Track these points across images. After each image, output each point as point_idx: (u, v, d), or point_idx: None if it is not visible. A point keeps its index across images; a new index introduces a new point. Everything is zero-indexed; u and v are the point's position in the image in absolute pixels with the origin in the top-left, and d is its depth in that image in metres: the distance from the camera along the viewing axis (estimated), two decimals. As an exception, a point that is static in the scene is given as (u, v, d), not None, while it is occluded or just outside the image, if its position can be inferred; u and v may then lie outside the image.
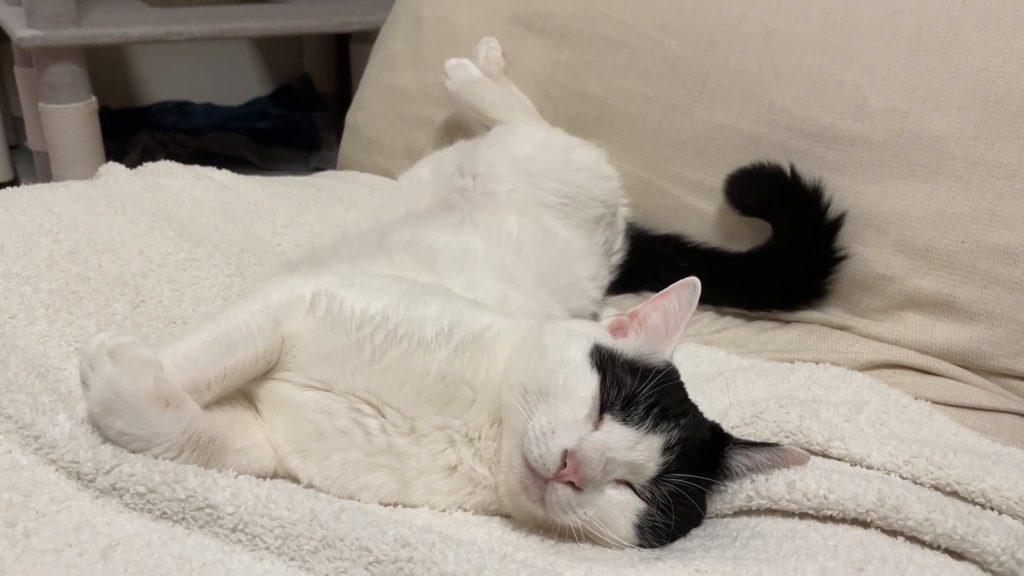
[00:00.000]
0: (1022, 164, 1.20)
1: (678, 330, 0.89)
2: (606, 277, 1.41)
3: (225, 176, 1.53)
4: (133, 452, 0.77)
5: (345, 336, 0.86)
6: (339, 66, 4.27)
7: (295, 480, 0.86)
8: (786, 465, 0.85)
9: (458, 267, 1.10)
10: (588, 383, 0.79)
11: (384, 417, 0.84)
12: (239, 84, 4.14)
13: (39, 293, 1.03)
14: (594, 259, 1.37)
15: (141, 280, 1.14)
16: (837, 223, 1.29)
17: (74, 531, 0.70)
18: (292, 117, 4.02)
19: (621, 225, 1.49)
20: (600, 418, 0.79)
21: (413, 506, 0.85)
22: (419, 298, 0.90)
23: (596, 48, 1.57)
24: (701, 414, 0.87)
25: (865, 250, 1.28)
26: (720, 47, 1.44)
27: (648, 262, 1.47)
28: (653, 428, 0.78)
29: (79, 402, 0.84)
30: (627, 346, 0.86)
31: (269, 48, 4.13)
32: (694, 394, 0.90)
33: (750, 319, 1.37)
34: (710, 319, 1.39)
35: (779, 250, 1.34)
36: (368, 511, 0.73)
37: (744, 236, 1.41)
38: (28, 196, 1.26)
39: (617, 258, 1.47)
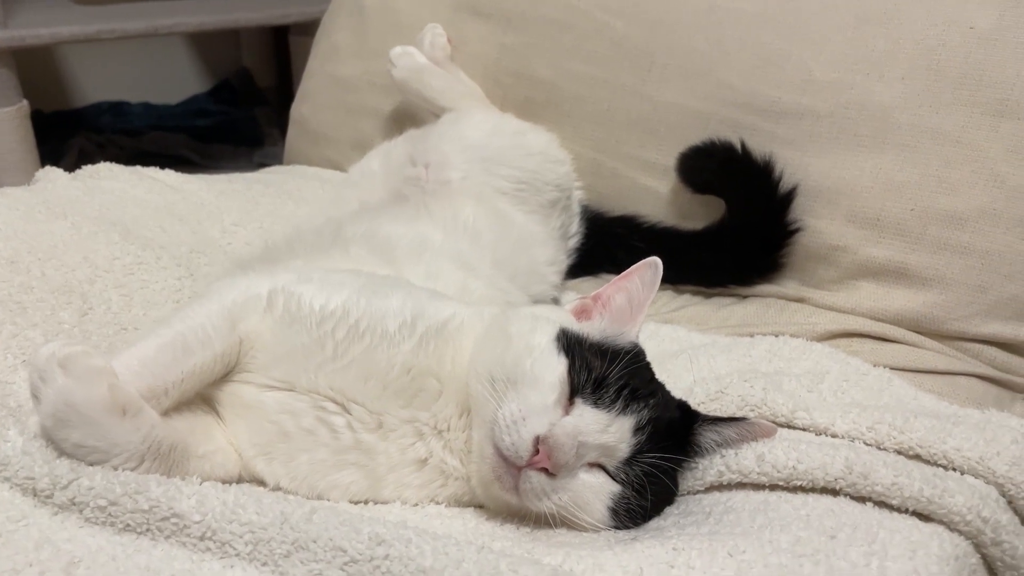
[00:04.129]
0: (965, 130, 1.22)
1: (642, 310, 0.89)
2: (564, 261, 1.40)
3: (169, 176, 1.49)
4: (91, 465, 0.74)
5: (306, 333, 0.85)
6: (279, 59, 4.20)
7: (261, 483, 0.84)
8: (755, 438, 0.86)
9: (416, 257, 1.09)
10: (555, 368, 0.79)
11: (350, 414, 0.83)
12: (176, 82, 4.05)
13: (-19, 305, 0.99)
14: (551, 244, 1.36)
15: (88, 287, 1.10)
16: (789, 197, 1.30)
17: (34, 550, 0.68)
18: (232, 114, 3.94)
19: (576, 208, 1.48)
20: (571, 402, 0.78)
21: (384, 502, 0.83)
22: (379, 291, 0.89)
23: (542, 31, 1.55)
24: (669, 393, 0.87)
25: (817, 222, 1.29)
26: (665, 26, 1.44)
27: (605, 244, 1.47)
28: (624, 409, 0.78)
29: (31, 416, 0.81)
30: (593, 329, 0.86)
31: (206, 43, 4.04)
32: (658, 372, 0.90)
33: (708, 295, 1.38)
34: (669, 297, 1.40)
35: (733, 226, 1.35)
36: (340, 510, 0.72)
37: (698, 214, 1.41)
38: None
39: (574, 241, 1.47)
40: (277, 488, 0.84)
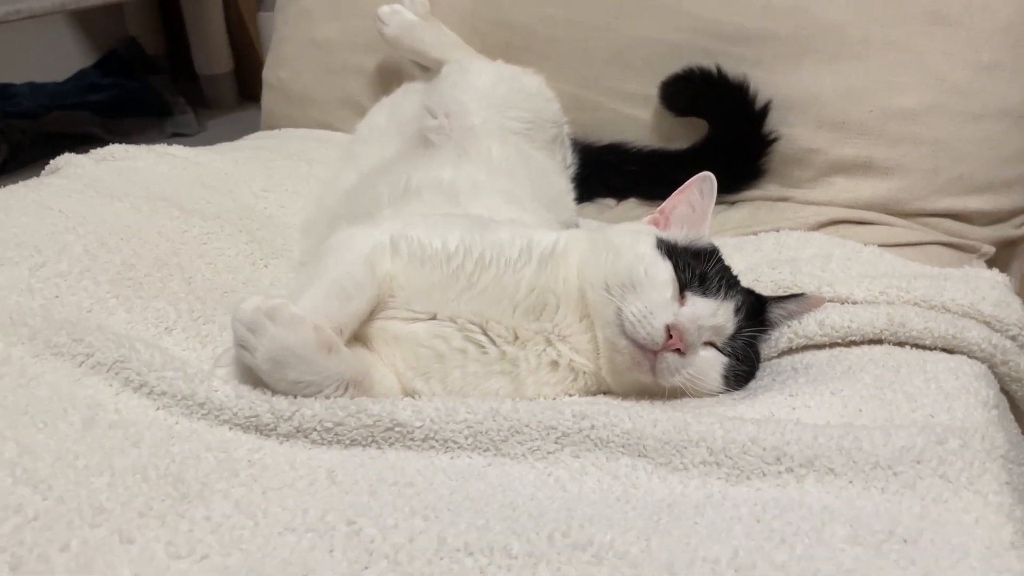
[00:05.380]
0: (908, 39, 1.43)
1: (707, 217, 1.07)
2: (573, 190, 1.56)
3: (180, 150, 1.55)
4: (305, 397, 0.86)
5: (438, 270, 0.98)
6: (168, 26, 4.09)
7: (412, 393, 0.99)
8: (810, 309, 1.05)
9: (475, 197, 1.22)
10: (665, 269, 0.95)
11: (488, 333, 0.97)
12: (60, 58, 3.90)
13: (100, 285, 1.07)
14: (563, 175, 1.52)
15: (175, 259, 1.18)
16: (764, 111, 1.49)
17: (290, 468, 0.80)
18: (126, 85, 3.84)
19: (568, 142, 1.63)
20: (682, 295, 0.95)
21: (529, 399, 0.99)
22: (488, 227, 1.02)
23: (513, -22, 1.68)
24: (745, 290, 1.05)
25: (791, 130, 1.49)
26: (630, -35, 1.59)
27: (598, 172, 1.63)
28: (725, 296, 0.95)
29: (216, 368, 0.92)
30: (678, 235, 1.03)
31: (87, 17, 3.90)
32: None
33: (701, 205, 1.57)
34: (665, 212, 1.58)
35: (717, 141, 1.53)
36: (536, 401, 0.86)
37: (681, 136, 1.59)
38: (15, 197, 1.26)
39: (570, 172, 1.62)
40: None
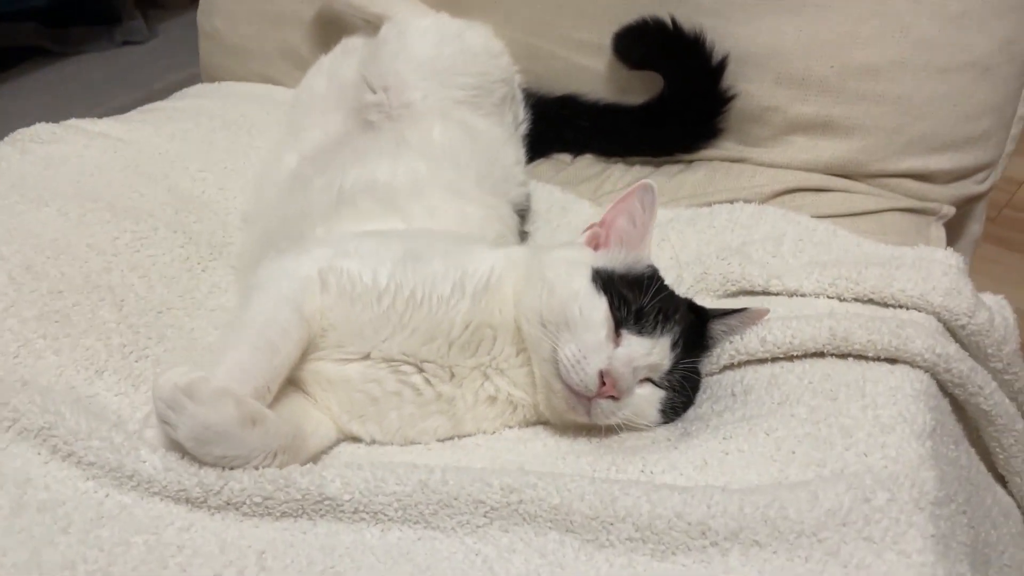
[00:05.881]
0: (875, -14, 1.35)
1: (648, 232, 1.03)
2: (524, 154, 1.50)
3: (111, 127, 1.48)
4: (232, 469, 0.85)
5: (368, 310, 0.95)
6: (108, -81, 3.83)
7: (357, 439, 0.98)
8: (753, 323, 1.03)
9: (415, 198, 1.18)
10: (600, 307, 0.93)
11: (424, 372, 0.96)
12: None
13: (27, 323, 1.03)
14: (512, 142, 1.46)
15: (107, 276, 1.15)
16: (722, 65, 1.42)
17: (220, 552, 0.80)
18: (70, -11, 3.62)
19: (519, 95, 1.56)
20: (617, 334, 0.93)
21: (467, 435, 0.98)
22: (420, 256, 0.99)
23: (456, -81, 1.55)
24: (680, 298, 1.03)
25: (749, 86, 1.42)
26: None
27: (552, 126, 1.57)
28: (662, 331, 0.93)
29: (144, 431, 0.91)
30: (615, 261, 0.99)
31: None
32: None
33: (657, 165, 1.52)
34: (622, 171, 1.53)
35: (673, 98, 1.47)
36: (466, 469, 0.86)
37: (636, 88, 1.52)
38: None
39: (523, 129, 1.55)
40: (373, 442, 0.97)
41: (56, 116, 1.44)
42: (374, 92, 1.37)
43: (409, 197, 1.17)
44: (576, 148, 1.58)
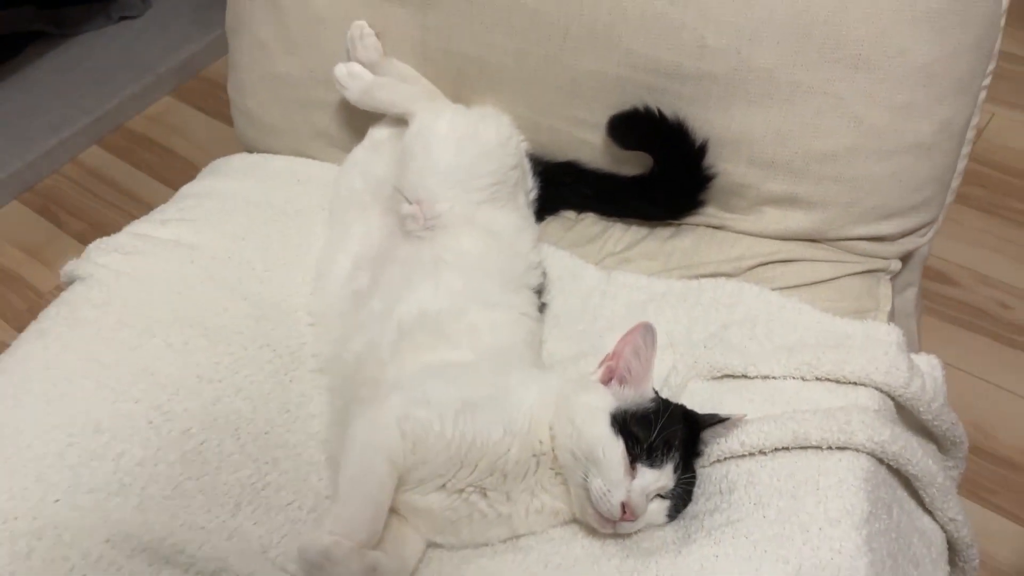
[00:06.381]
0: (829, 84, 1.55)
1: (651, 366, 1.31)
2: (535, 227, 1.74)
3: (176, 231, 1.68)
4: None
5: (441, 454, 1.25)
6: None
7: (438, 545, 1.31)
8: (735, 427, 1.34)
9: (457, 318, 1.45)
10: (618, 448, 1.22)
11: (487, 497, 1.27)
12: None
13: (173, 467, 1.32)
14: (527, 225, 1.69)
15: (219, 406, 1.40)
16: (703, 149, 1.65)
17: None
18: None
19: (528, 165, 1.78)
20: (633, 467, 1.23)
21: (522, 536, 1.31)
22: (474, 406, 1.27)
23: (459, 10, 1.72)
24: (678, 412, 1.32)
25: (726, 165, 1.66)
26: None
27: (558, 189, 1.80)
28: (666, 460, 1.23)
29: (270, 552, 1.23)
30: (627, 400, 1.28)
31: None
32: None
33: (652, 227, 1.77)
34: (620, 231, 1.78)
35: (662, 175, 1.70)
36: None
37: (631, 160, 1.74)
38: (49, 352, 1.45)
39: (533, 195, 1.78)
40: (451, 547, 1.30)
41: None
42: (409, 203, 1.60)
43: (452, 320, 1.44)
44: (579, 208, 1.83)
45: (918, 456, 1.37)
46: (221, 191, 1.85)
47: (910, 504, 1.42)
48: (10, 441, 1.33)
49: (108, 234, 1.65)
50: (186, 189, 1.91)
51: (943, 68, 1.54)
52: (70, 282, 1.66)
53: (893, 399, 1.43)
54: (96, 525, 1.25)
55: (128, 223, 1.70)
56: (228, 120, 2.02)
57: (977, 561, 1.51)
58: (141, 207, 2.93)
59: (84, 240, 2.91)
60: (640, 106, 1.66)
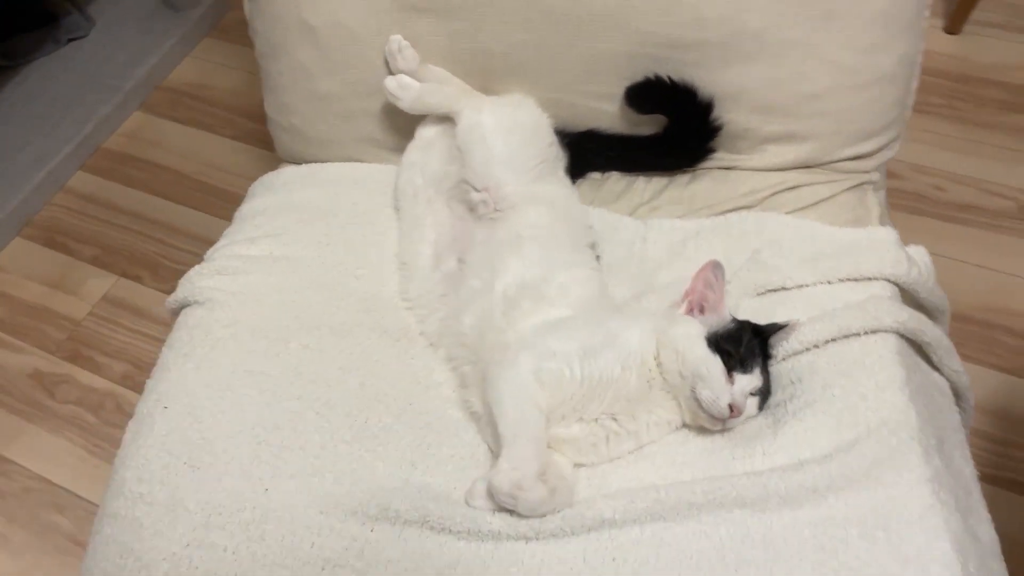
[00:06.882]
0: (809, 35, 1.85)
1: (724, 295, 1.63)
2: (578, 195, 2.02)
3: (265, 248, 1.89)
4: (543, 516, 1.48)
5: (576, 394, 1.54)
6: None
7: (583, 465, 1.61)
8: (793, 331, 1.67)
9: (548, 283, 1.73)
10: (718, 364, 1.54)
11: (617, 420, 1.58)
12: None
13: (351, 445, 1.59)
14: (571, 192, 1.97)
15: (369, 390, 1.65)
16: (710, 104, 1.95)
17: (557, 562, 1.45)
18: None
19: (556, 140, 2.04)
20: (730, 375, 1.56)
21: (645, 445, 1.62)
22: (593, 350, 1.57)
23: (480, 14, 1.95)
24: (750, 327, 1.64)
25: (731, 115, 1.96)
26: (581, -8, 1.91)
27: (582, 155, 2.07)
28: (753, 365, 1.56)
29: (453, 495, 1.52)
30: (714, 324, 1.59)
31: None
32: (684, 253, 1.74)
33: (671, 176, 2.07)
34: (643, 184, 2.07)
35: (676, 131, 2.00)
36: (677, 483, 1.50)
37: (643, 122, 2.03)
38: (201, 380, 1.70)
39: (563, 164, 2.06)
40: (594, 464, 1.61)
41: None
42: (478, 191, 1.86)
43: (545, 284, 1.72)
44: (604, 169, 2.11)
45: (928, 327, 1.75)
46: (289, 204, 2.06)
47: (925, 366, 1.79)
48: (205, 452, 1.58)
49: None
50: (246, 209, 2.10)
51: (897, 10, 1.87)
52: (179, 308, 1.88)
53: (899, 286, 1.80)
54: (307, 502, 1.52)
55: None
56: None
57: (973, 401, 1.91)
58: (146, 223, 3.07)
59: (100, 264, 3.07)
60: (651, 76, 1.94)
